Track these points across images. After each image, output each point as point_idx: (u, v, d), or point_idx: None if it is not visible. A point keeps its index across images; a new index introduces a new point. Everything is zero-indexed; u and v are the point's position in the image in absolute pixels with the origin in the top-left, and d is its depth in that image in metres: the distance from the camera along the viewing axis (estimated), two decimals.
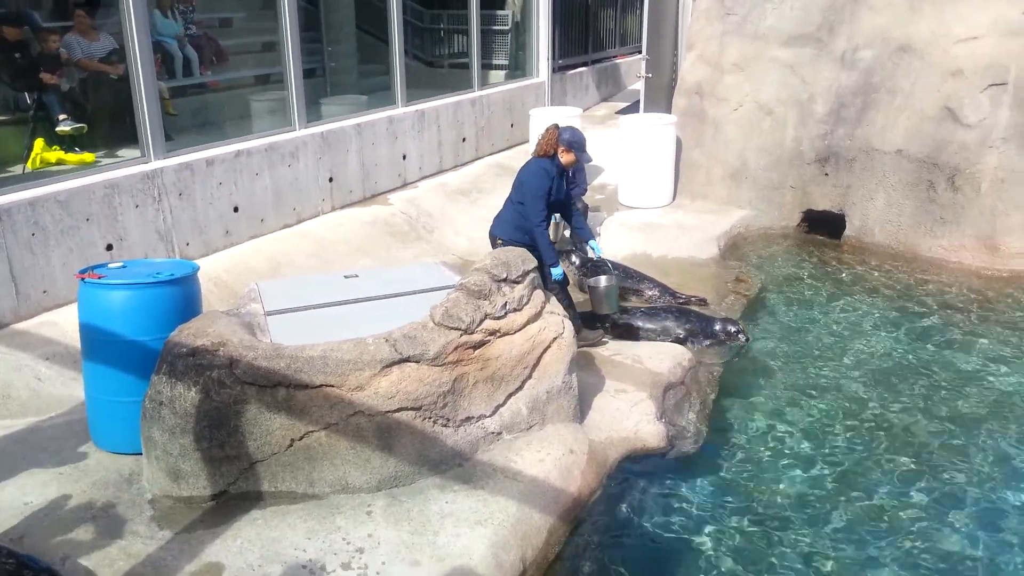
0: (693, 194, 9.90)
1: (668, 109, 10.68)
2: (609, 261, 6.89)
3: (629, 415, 5.18)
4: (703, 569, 4.20)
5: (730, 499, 4.75)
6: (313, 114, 8.83)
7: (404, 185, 9.85)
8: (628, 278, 7.40)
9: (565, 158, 5.82)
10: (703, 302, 7.32)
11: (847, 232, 9.11)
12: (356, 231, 8.28)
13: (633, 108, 13.05)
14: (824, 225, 9.34)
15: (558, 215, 8.34)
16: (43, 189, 6.20)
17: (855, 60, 8.99)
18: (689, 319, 6.57)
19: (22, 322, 5.91)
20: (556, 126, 5.94)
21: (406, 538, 3.81)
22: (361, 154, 9.16)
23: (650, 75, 11.43)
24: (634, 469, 4.93)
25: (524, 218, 5.83)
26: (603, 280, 6.32)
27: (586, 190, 8.93)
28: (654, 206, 9.63)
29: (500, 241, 5.93)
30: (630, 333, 6.48)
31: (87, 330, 4.55)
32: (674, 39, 11.92)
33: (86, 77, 7.68)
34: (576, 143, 5.82)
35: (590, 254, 6.69)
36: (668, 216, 9.34)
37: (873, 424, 5.53)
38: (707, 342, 6.44)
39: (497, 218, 6.13)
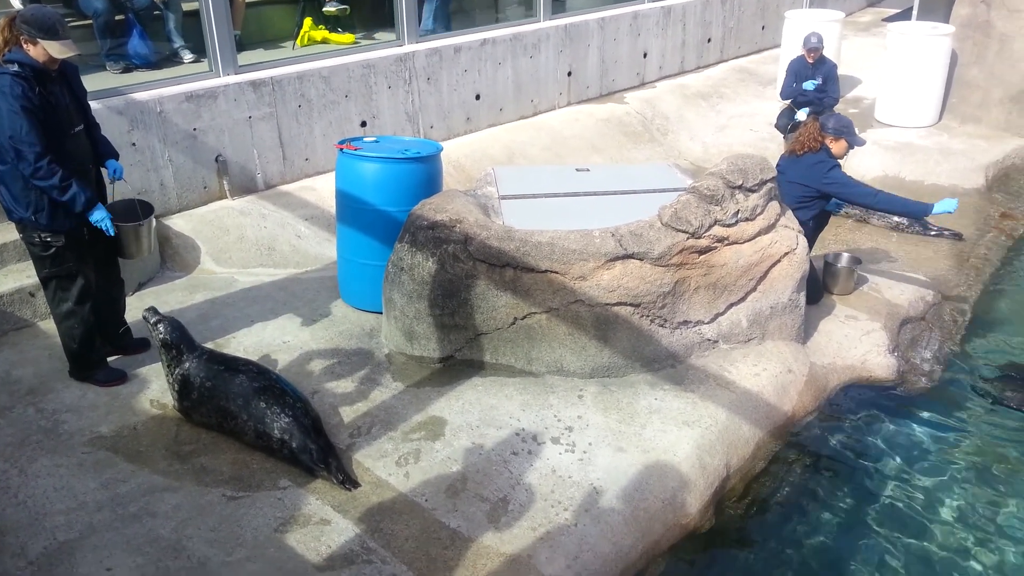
0: (963, 116, 8.85)
1: (945, 18, 9.48)
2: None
3: (858, 343, 4.90)
4: (907, 514, 3.95)
5: (955, 450, 4.40)
6: (558, 6, 8.78)
7: (642, 84, 9.63)
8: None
9: (836, 147, 5.19)
10: (958, 236, 6.63)
11: None
12: (590, 127, 8.27)
13: (904, 16, 11.72)
14: None
15: (807, 109, 7.78)
16: (309, 64, 6.71)
17: None
18: None
19: (286, 184, 6.56)
20: (815, 119, 5.39)
21: (613, 425, 3.92)
22: (602, 50, 9.03)
23: None
24: (855, 399, 4.69)
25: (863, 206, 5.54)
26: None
27: (838, 100, 8.25)
28: (915, 126, 8.73)
29: None
30: None
31: (342, 196, 4.96)
32: None
33: None
34: (844, 128, 5.19)
35: None
36: (931, 138, 8.44)
37: None
38: None
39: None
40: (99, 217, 3.95)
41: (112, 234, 4.00)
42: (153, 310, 3.95)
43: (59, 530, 3.24)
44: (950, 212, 5.04)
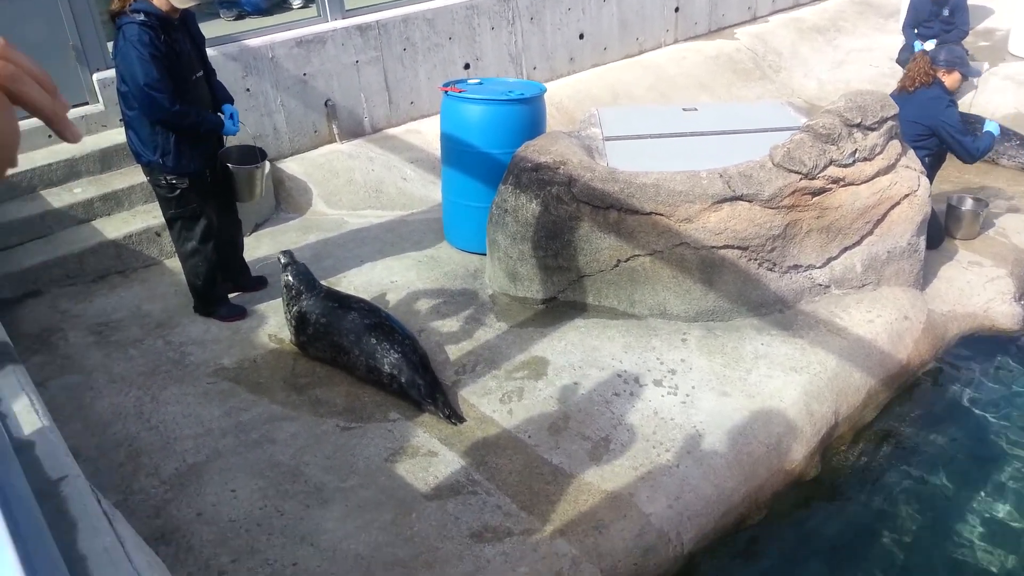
0: None
1: None
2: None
3: (981, 291, 4.65)
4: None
5: None
6: None
7: (753, 19, 9.20)
8: (1005, 139, 6.39)
9: (949, 80, 4.95)
10: None
11: None
12: (698, 65, 8.00)
13: None
14: None
15: (934, 41, 7.27)
16: (414, 7, 6.73)
17: None
18: None
19: (392, 128, 6.66)
20: (924, 53, 5.11)
21: (718, 369, 3.87)
22: None
23: None
24: (977, 349, 4.47)
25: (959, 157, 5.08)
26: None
27: (967, 32, 7.67)
28: None
29: None
30: None
31: (446, 139, 5.01)
32: None
33: None
34: (958, 59, 4.93)
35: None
36: None
37: None
38: None
39: None
40: (230, 127, 4.19)
41: (234, 130, 4.22)
42: (288, 254, 4.17)
43: (188, 453, 3.48)
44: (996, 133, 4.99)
